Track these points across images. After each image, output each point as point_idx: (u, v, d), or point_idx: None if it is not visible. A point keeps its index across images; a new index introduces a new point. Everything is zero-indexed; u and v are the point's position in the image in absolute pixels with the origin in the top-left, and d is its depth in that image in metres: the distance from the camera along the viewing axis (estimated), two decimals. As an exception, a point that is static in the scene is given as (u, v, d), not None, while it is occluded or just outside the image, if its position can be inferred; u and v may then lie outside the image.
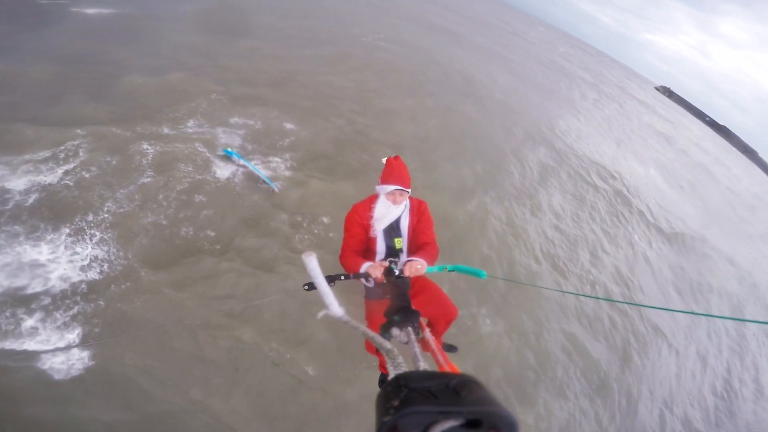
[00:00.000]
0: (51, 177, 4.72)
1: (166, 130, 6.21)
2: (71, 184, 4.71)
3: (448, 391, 0.46)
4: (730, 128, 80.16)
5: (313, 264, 0.98)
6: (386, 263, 2.07)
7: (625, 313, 6.65)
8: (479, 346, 4.61)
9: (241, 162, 5.71)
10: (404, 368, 0.74)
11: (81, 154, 5.19)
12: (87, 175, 4.89)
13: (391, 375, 0.64)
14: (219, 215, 4.88)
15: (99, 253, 4.05)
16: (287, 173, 6.07)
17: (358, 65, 12.30)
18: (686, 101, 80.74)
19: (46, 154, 5.06)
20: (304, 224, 5.08)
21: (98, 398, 3.06)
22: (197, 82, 8.14)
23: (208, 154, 5.88)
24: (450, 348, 3.11)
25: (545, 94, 20.08)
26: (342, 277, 1.97)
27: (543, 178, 9.92)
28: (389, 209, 2.25)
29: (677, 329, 7.04)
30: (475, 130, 10.73)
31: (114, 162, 5.23)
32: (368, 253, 2.35)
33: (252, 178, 5.68)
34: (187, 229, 4.53)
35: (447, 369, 1.18)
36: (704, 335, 7.33)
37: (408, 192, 2.29)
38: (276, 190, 5.44)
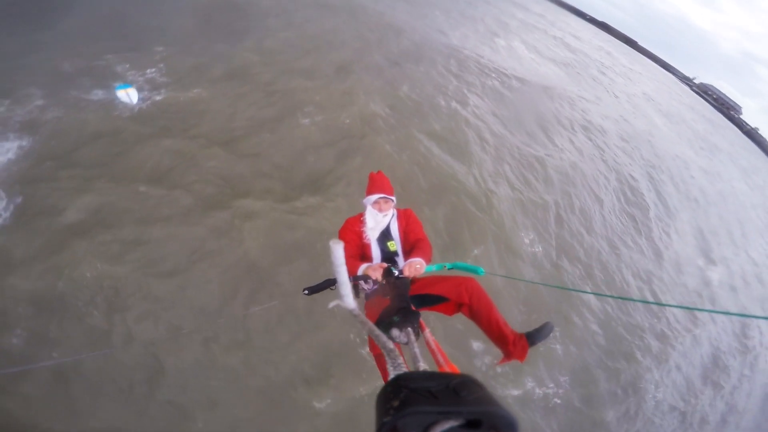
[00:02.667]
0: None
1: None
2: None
3: (448, 391, 0.47)
4: (609, 24, 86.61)
5: (339, 253, 1.01)
6: (385, 264, 2.13)
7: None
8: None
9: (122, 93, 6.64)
10: (404, 369, 0.75)
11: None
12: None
13: (392, 375, 0.66)
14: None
15: (21, 143, 5.25)
16: (163, 79, 7.21)
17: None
18: (566, 3, 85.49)
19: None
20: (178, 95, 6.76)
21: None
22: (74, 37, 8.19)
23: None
24: (542, 330, 2.05)
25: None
26: None
27: (400, 59, 11.10)
28: (378, 218, 2.42)
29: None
30: (334, 32, 11.58)
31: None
32: (364, 259, 2.46)
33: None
34: (85, 116, 5.90)
35: (447, 369, 1.22)
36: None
37: (392, 200, 2.50)
38: (130, 103, 6.36)
